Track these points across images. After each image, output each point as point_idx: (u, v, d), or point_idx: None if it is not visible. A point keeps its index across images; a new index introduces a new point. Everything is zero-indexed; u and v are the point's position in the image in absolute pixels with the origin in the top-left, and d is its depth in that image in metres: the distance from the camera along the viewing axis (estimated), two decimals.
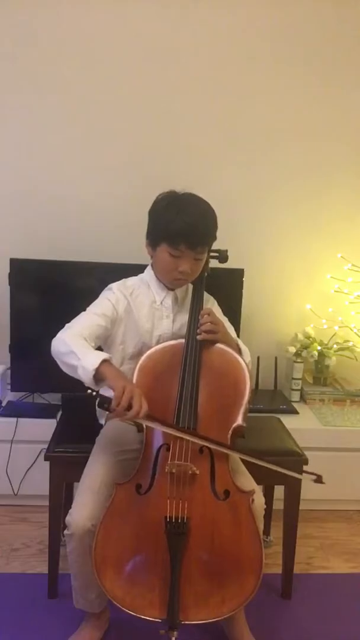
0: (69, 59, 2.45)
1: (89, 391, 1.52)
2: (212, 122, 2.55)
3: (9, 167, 2.52)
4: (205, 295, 1.84)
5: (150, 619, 1.44)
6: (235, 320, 2.27)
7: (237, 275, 2.41)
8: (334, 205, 2.67)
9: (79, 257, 2.37)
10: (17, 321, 2.37)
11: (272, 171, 2.62)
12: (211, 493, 1.52)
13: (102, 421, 1.90)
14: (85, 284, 2.21)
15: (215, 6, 2.45)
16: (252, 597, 1.47)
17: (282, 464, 1.64)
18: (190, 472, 1.51)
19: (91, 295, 1.81)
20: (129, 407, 1.45)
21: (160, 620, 1.42)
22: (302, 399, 2.68)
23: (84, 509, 1.56)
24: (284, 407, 2.53)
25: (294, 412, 2.52)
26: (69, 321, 1.70)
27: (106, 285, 1.83)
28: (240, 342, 1.82)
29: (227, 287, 2.34)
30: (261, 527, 1.62)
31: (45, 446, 1.89)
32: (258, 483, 1.70)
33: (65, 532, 1.58)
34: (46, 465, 1.86)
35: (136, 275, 1.86)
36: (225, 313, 1.91)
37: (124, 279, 1.84)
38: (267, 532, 2.20)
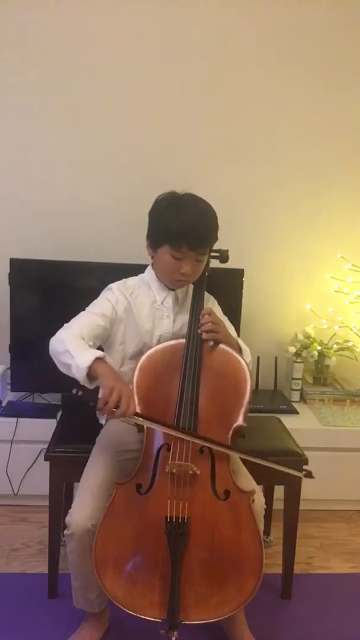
0: (69, 59, 2.45)
1: (74, 390, 1.52)
2: (212, 122, 2.55)
3: (9, 167, 2.52)
4: (206, 295, 1.84)
5: (151, 619, 1.44)
6: (235, 320, 2.27)
7: (237, 275, 2.41)
8: (334, 205, 2.67)
9: (79, 257, 2.37)
10: (17, 321, 2.37)
11: (272, 171, 2.62)
12: (211, 493, 1.52)
13: (102, 421, 1.89)
14: (85, 284, 2.21)
15: (216, 6, 2.45)
16: (252, 597, 1.48)
17: (282, 464, 1.64)
18: (190, 472, 1.51)
19: (91, 295, 1.81)
20: (116, 406, 1.45)
21: (160, 620, 1.42)
22: (302, 399, 2.68)
23: (84, 509, 1.56)
24: (284, 407, 2.53)
25: (294, 412, 2.52)
26: (68, 321, 1.70)
27: (106, 285, 1.83)
28: (240, 341, 1.82)
29: (227, 287, 2.34)
30: (261, 527, 1.62)
31: (45, 446, 1.89)
32: (258, 483, 1.70)
33: (65, 532, 1.58)
34: (46, 465, 1.85)
35: (136, 275, 1.86)
36: (225, 313, 1.91)
37: (124, 279, 1.84)
38: (267, 532, 2.20)
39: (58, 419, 2.21)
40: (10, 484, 2.33)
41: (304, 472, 1.65)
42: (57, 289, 2.37)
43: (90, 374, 1.52)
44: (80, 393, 1.51)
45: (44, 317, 2.35)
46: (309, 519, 2.40)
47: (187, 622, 1.43)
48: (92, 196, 2.55)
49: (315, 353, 2.68)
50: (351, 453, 2.42)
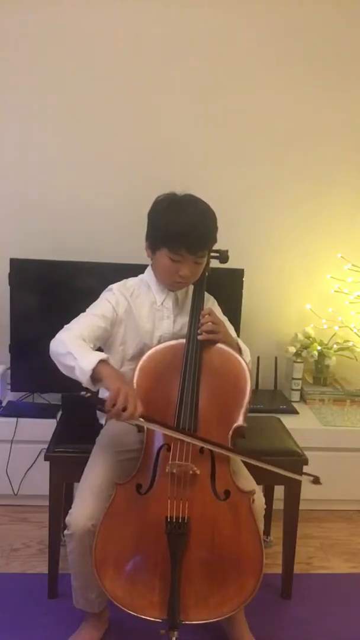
0: (69, 59, 2.45)
1: (83, 392, 1.51)
2: (212, 121, 2.55)
3: (9, 167, 2.52)
4: (206, 295, 1.84)
5: (151, 619, 1.44)
6: (235, 320, 2.27)
7: (237, 275, 2.41)
8: (334, 205, 2.67)
9: (79, 257, 2.37)
10: (17, 321, 2.37)
11: (272, 171, 2.62)
12: (211, 493, 1.52)
13: (102, 421, 1.89)
14: (85, 284, 2.21)
15: (216, 6, 2.45)
16: (252, 597, 1.48)
17: (282, 464, 1.64)
18: (190, 472, 1.51)
19: (91, 295, 1.81)
20: (124, 408, 1.45)
21: (160, 620, 1.42)
22: (302, 399, 2.68)
23: (84, 509, 1.56)
24: (284, 407, 2.53)
25: (294, 412, 2.52)
26: (69, 321, 1.70)
27: (106, 286, 1.83)
28: (240, 341, 1.82)
29: (227, 287, 2.34)
30: (261, 527, 1.62)
31: (45, 446, 1.89)
32: (258, 483, 1.70)
33: (65, 532, 1.58)
34: (46, 465, 1.85)
35: (136, 275, 1.86)
36: (225, 313, 1.91)
37: (124, 280, 1.84)
38: (267, 532, 2.20)
39: (58, 419, 2.21)
40: (10, 484, 2.33)
41: (311, 478, 1.64)
42: (57, 289, 2.37)
43: (94, 377, 1.52)
44: (88, 395, 1.51)
45: (44, 317, 2.35)
46: (309, 519, 2.40)
47: (187, 622, 1.43)
48: (92, 196, 2.55)
49: (315, 353, 2.68)
50: (351, 453, 2.42)
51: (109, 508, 1.52)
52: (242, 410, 1.62)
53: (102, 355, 1.55)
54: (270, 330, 2.73)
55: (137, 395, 1.50)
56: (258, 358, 2.61)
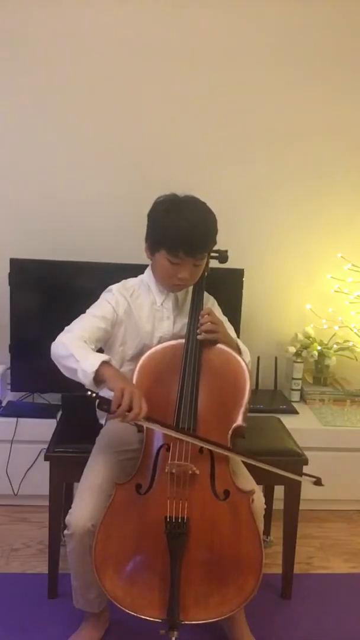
0: (68, 60, 2.45)
1: (89, 393, 1.52)
2: (212, 122, 2.55)
3: (9, 167, 2.52)
4: (205, 295, 1.84)
5: (151, 619, 1.44)
6: (235, 320, 2.27)
7: (237, 275, 2.41)
8: (334, 205, 2.67)
9: (79, 257, 2.37)
10: (17, 321, 2.37)
11: (272, 171, 2.62)
12: (211, 493, 1.52)
13: (102, 421, 1.89)
14: (85, 284, 2.20)
15: (216, 6, 2.45)
16: (252, 597, 1.48)
17: (282, 464, 1.64)
18: (190, 472, 1.51)
19: (91, 295, 1.81)
20: (129, 409, 1.45)
21: (160, 620, 1.42)
22: (302, 399, 2.68)
23: (84, 509, 1.56)
24: (284, 407, 2.53)
25: (294, 412, 2.52)
26: (69, 321, 1.70)
27: (106, 286, 1.83)
28: (240, 342, 1.82)
29: (227, 287, 2.34)
30: (261, 527, 1.62)
31: (45, 446, 1.89)
32: (258, 483, 1.70)
33: (65, 532, 1.58)
34: (46, 465, 1.85)
35: (136, 275, 1.86)
36: (225, 313, 1.91)
37: (123, 281, 1.84)
38: (267, 532, 2.20)
39: (58, 419, 2.21)
40: (10, 484, 2.33)
41: (313, 479, 1.64)
42: (57, 289, 2.37)
43: (97, 378, 1.52)
44: (94, 395, 1.51)
45: (44, 317, 2.35)
46: (309, 519, 2.40)
47: (187, 622, 1.43)
48: (92, 196, 2.55)
49: (315, 353, 2.68)
50: (351, 453, 2.42)
51: (108, 508, 1.53)
52: (242, 410, 1.62)
53: (104, 357, 1.55)
54: (270, 330, 2.73)
55: (142, 396, 1.49)
56: (258, 358, 2.61)
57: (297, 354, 2.67)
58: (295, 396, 2.66)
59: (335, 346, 2.72)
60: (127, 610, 1.45)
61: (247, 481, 1.66)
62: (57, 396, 2.42)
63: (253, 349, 1.90)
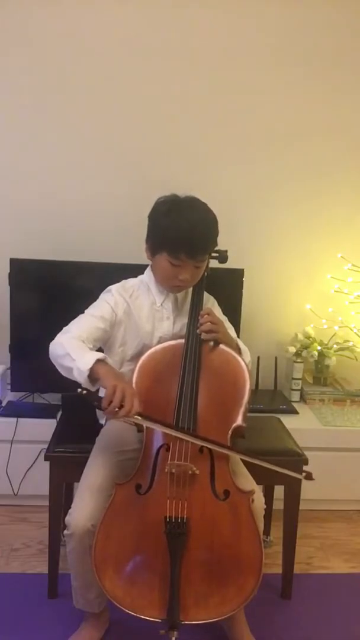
0: (69, 59, 2.45)
1: (79, 389, 1.51)
2: (212, 122, 2.55)
3: (9, 167, 2.52)
4: (205, 295, 1.84)
5: (151, 619, 1.44)
6: (235, 320, 2.27)
7: (237, 275, 2.41)
8: (334, 205, 2.67)
9: (79, 257, 2.37)
10: (17, 321, 2.37)
11: (272, 171, 2.62)
12: (211, 493, 1.52)
13: (102, 421, 1.89)
14: (85, 284, 2.20)
15: (216, 6, 2.45)
16: (252, 597, 1.48)
17: (282, 464, 1.64)
18: (190, 472, 1.51)
19: (91, 295, 1.81)
20: (120, 405, 1.45)
21: (160, 620, 1.42)
22: (302, 399, 2.68)
23: (84, 509, 1.56)
24: (284, 407, 2.53)
25: (294, 412, 2.52)
26: (68, 321, 1.70)
27: (106, 286, 1.83)
28: (240, 342, 1.82)
29: (227, 287, 2.34)
30: (261, 527, 1.62)
31: (45, 446, 1.89)
32: (258, 483, 1.70)
33: (65, 532, 1.58)
34: (46, 465, 1.85)
35: (136, 276, 1.86)
36: (225, 313, 1.91)
37: (123, 281, 1.84)
38: (267, 532, 2.20)
39: (58, 419, 2.21)
40: (10, 484, 2.33)
41: (304, 474, 1.65)
42: (57, 289, 2.37)
43: (92, 376, 1.52)
44: (84, 392, 1.51)
45: (44, 317, 2.35)
46: (309, 519, 2.40)
47: (187, 622, 1.43)
48: (92, 196, 2.55)
49: (315, 353, 2.68)
50: (351, 453, 2.42)
51: (108, 508, 1.52)
52: (241, 410, 1.62)
53: (99, 355, 1.55)
54: (270, 330, 2.73)
55: (136, 393, 1.49)
56: (258, 358, 2.61)
57: (297, 354, 2.67)
58: (295, 396, 2.66)
59: (335, 346, 2.72)
60: (127, 610, 1.45)
61: (247, 481, 1.66)
62: (57, 396, 2.42)
63: (253, 349, 1.89)
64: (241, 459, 1.70)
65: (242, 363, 1.69)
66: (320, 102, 2.57)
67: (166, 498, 1.49)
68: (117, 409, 1.44)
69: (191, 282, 1.74)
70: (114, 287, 1.81)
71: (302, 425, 2.39)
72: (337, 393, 2.68)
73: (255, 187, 2.62)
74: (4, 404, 2.43)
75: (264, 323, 2.70)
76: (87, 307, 1.76)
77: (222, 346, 1.71)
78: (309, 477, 1.65)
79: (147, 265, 1.84)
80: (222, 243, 1.78)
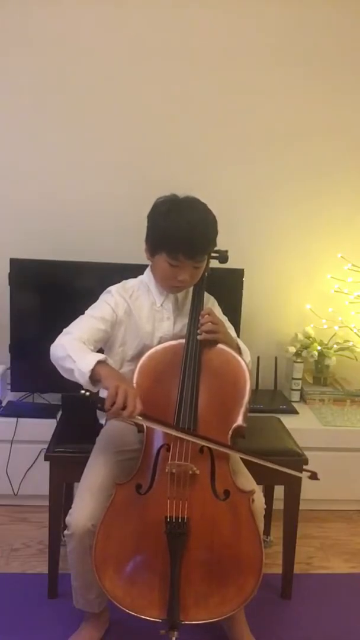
0: (69, 59, 2.45)
1: (82, 391, 1.52)
2: (212, 122, 2.55)
3: (9, 166, 2.52)
4: (205, 295, 1.84)
5: (151, 619, 1.44)
6: (235, 320, 2.27)
7: (237, 275, 2.41)
8: (334, 205, 2.67)
9: (79, 257, 2.37)
10: (17, 321, 2.37)
11: (272, 171, 2.62)
12: (211, 493, 1.52)
13: (102, 421, 1.89)
14: (85, 284, 2.21)
15: (216, 6, 2.45)
16: (252, 597, 1.48)
17: (282, 464, 1.64)
18: (190, 472, 1.51)
19: (91, 295, 1.81)
20: (123, 406, 1.45)
21: (160, 620, 1.42)
22: (302, 399, 2.68)
23: (84, 509, 1.56)
24: (284, 407, 2.53)
25: (294, 412, 2.52)
26: (69, 321, 1.70)
27: (106, 286, 1.82)
28: (240, 342, 1.82)
29: (227, 287, 2.34)
30: (261, 527, 1.62)
31: (45, 446, 1.89)
32: (258, 483, 1.70)
33: (65, 532, 1.58)
34: (46, 465, 1.85)
35: (136, 276, 1.86)
36: (225, 313, 1.91)
37: (123, 281, 1.84)
38: (267, 532, 2.20)
39: (58, 419, 2.21)
40: (10, 484, 2.33)
41: (309, 474, 1.65)
42: (57, 289, 2.37)
43: (93, 378, 1.52)
44: (87, 394, 1.51)
45: (44, 317, 2.35)
46: (309, 519, 2.40)
47: (187, 622, 1.43)
48: (92, 196, 2.55)
49: (315, 353, 2.68)
50: (351, 453, 2.42)
51: (108, 508, 1.52)
52: (242, 410, 1.62)
53: (100, 356, 1.55)
54: (270, 330, 2.73)
55: (138, 394, 1.49)
56: (258, 358, 2.61)
57: (297, 354, 2.67)
58: (295, 396, 2.66)
59: (335, 346, 2.72)
60: (127, 610, 1.45)
61: (247, 481, 1.66)
62: (57, 396, 2.42)
63: (253, 349, 1.90)
64: (242, 459, 1.70)
65: (243, 363, 1.69)
66: (320, 102, 2.57)
67: (166, 498, 1.49)
68: (120, 410, 1.44)
69: (190, 283, 1.74)
70: (113, 288, 1.80)
71: (302, 425, 2.39)
72: (337, 393, 2.68)
73: (255, 187, 2.62)
74: (4, 404, 2.42)
75: (264, 323, 2.70)
76: (87, 307, 1.76)
77: (222, 346, 1.71)
78: (313, 477, 1.64)
79: (147, 266, 1.84)
80: (222, 243, 1.78)
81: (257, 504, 1.59)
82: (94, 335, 1.68)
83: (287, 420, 2.24)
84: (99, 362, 1.53)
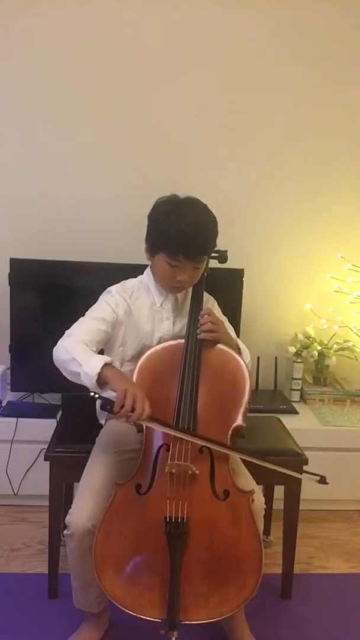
0: (69, 59, 2.45)
1: (91, 394, 1.52)
2: (212, 122, 2.54)
3: (9, 167, 2.52)
4: (205, 295, 1.84)
5: (150, 619, 1.44)
6: (235, 320, 2.27)
7: (237, 275, 2.41)
8: (334, 206, 2.67)
9: (79, 257, 2.37)
10: (17, 321, 2.37)
11: (272, 171, 2.62)
12: (211, 493, 1.52)
13: (102, 421, 1.89)
14: (85, 284, 2.20)
15: (216, 7, 2.45)
16: (252, 597, 1.47)
17: (282, 464, 1.64)
18: (190, 472, 1.51)
19: (91, 295, 1.81)
20: (132, 409, 1.45)
21: (160, 620, 1.42)
22: (302, 399, 2.68)
23: (84, 509, 1.56)
24: (284, 407, 2.53)
25: (294, 412, 2.52)
26: (69, 321, 1.70)
27: (106, 286, 1.83)
28: (240, 342, 1.82)
29: (227, 287, 2.34)
30: (261, 527, 1.63)
31: (45, 446, 1.89)
32: (258, 483, 1.70)
33: (65, 532, 1.58)
34: (46, 465, 1.86)
35: (136, 276, 1.86)
36: (225, 313, 1.91)
37: (122, 282, 1.84)
38: (267, 532, 2.20)
39: (58, 419, 2.22)
40: (10, 484, 2.33)
41: (317, 478, 1.64)
42: (57, 289, 2.37)
43: (100, 380, 1.52)
44: (97, 396, 1.51)
45: (44, 317, 2.35)
46: (309, 519, 2.40)
47: (186, 622, 1.43)
48: (92, 196, 2.55)
49: (315, 353, 2.67)
50: (351, 453, 2.42)
51: (108, 508, 1.53)
52: (241, 410, 1.62)
53: (106, 359, 1.55)
54: (270, 330, 2.73)
55: (146, 397, 1.49)
56: (258, 358, 2.61)
57: (297, 354, 2.67)
58: (295, 396, 2.66)
59: (335, 346, 2.72)
60: (127, 610, 1.45)
61: (247, 481, 1.66)
62: (57, 396, 2.42)
63: (253, 349, 1.89)
64: (242, 459, 1.70)
65: (242, 363, 1.69)
66: (320, 102, 2.57)
67: (166, 498, 1.49)
68: (129, 413, 1.44)
69: (190, 283, 1.74)
70: (113, 288, 1.80)
71: (302, 425, 2.39)
72: (337, 393, 2.68)
73: (255, 187, 2.62)
74: (4, 404, 2.43)
75: (264, 323, 2.70)
76: (87, 308, 1.76)
77: (222, 346, 1.71)
78: (322, 481, 1.62)
79: (147, 266, 1.84)
80: (221, 243, 1.78)
81: (257, 504, 1.59)
82: (96, 337, 1.68)
83: (287, 420, 2.24)
84: (106, 365, 1.53)
